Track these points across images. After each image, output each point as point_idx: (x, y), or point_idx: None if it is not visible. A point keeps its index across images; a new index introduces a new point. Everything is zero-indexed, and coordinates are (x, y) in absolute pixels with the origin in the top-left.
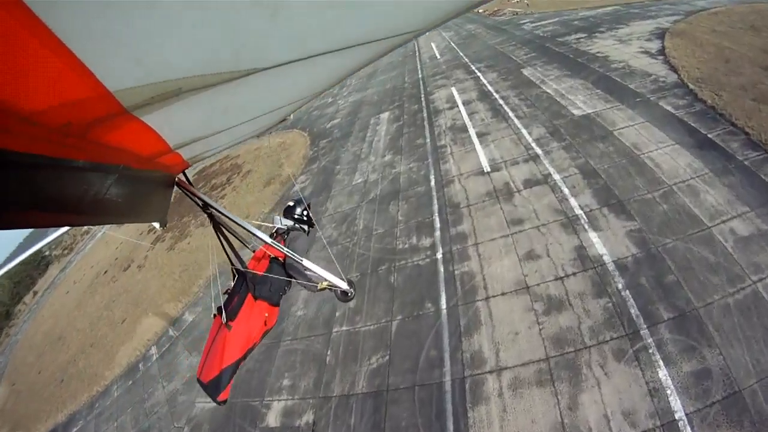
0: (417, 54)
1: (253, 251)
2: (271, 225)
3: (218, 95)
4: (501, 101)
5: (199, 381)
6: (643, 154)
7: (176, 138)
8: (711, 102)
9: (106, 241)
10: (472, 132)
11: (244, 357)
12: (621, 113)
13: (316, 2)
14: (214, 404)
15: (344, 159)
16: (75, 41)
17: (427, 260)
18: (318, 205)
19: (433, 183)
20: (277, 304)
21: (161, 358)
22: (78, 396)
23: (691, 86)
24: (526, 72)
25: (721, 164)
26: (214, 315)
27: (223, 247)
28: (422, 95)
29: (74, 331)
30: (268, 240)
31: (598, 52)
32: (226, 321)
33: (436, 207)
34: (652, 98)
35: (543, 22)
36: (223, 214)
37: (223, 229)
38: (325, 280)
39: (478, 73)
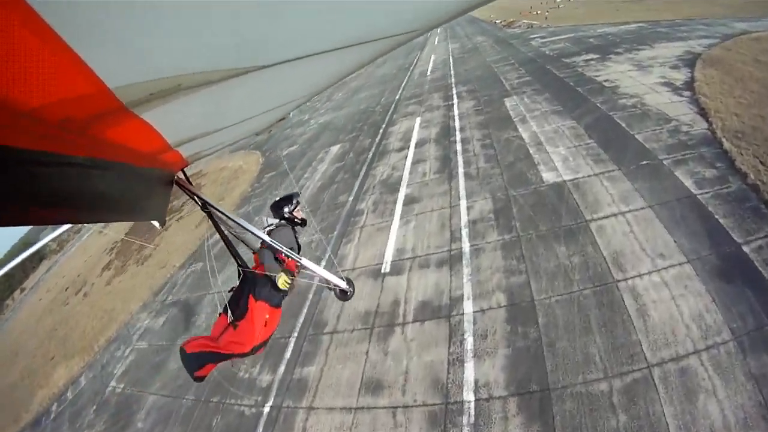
0: (411, 68)
1: (255, 252)
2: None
3: (218, 92)
4: (459, 146)
5: (181, 350)
6: (627, 280)
7: (176, 135)
8: (753, 177)
9: (84, 247)
10: (401, 194)
11: (226, 357)
12: (612, 186)
13: (316, 1)
14: None
15: (266, 208)
16: (74, 38)
17: (253, 410)
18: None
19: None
20: (277, 306)
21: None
22: None
23: (726, 144)
24: (508, 103)
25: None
26: (220, 313)
27: (227, 245)
28: (383, 126)
29: (22, 354)
30: (267, 238)
31: (607, 80)
32: (233, 321)
33: (300, 321)
34: (666, 161)
35: (554, 38)
36: (222, 214)
37: (223, 228)
38: (325, 279)
39: (455, 100)
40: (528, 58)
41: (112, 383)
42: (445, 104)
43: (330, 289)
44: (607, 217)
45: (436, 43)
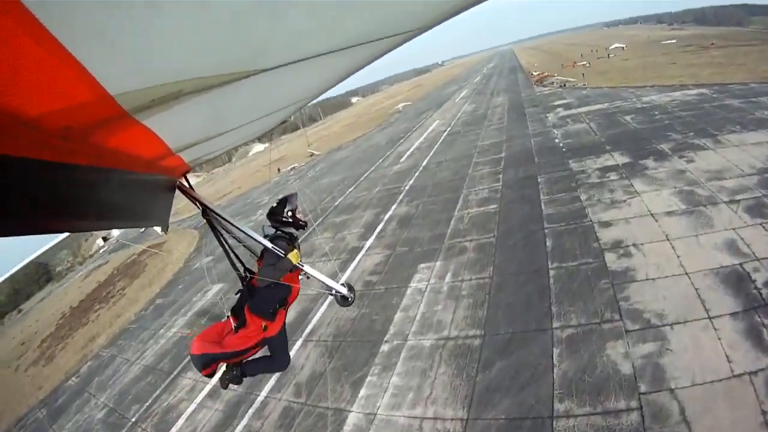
0: (402, 139)
1: (258, 258)
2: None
3: (219, 97)
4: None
5: (191, 351)
6: None
7: (177, 141)
8: None
9: (79, 285)
10: None
11: (234, 355)
12: None
13: (316, 3)
14: None
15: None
16: (76, 45)
17: None
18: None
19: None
20: (272, 319)
21: None
22: None
23: None
24: (415, 279)
25: None
26: (227, 316)
27: (225, 252)
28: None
29: None
30: (269, 245)
31: (618, 246)
32: (236, 327)
33: None
34: None
35: (581, 110)
36: (225, 220)
37: (224, 235)
38: (326, 284)
39: (371, 239)
40: (524, 153)
41: None
42: (358, 244)
43: (332, 295)
44: None
45: (458, 99)
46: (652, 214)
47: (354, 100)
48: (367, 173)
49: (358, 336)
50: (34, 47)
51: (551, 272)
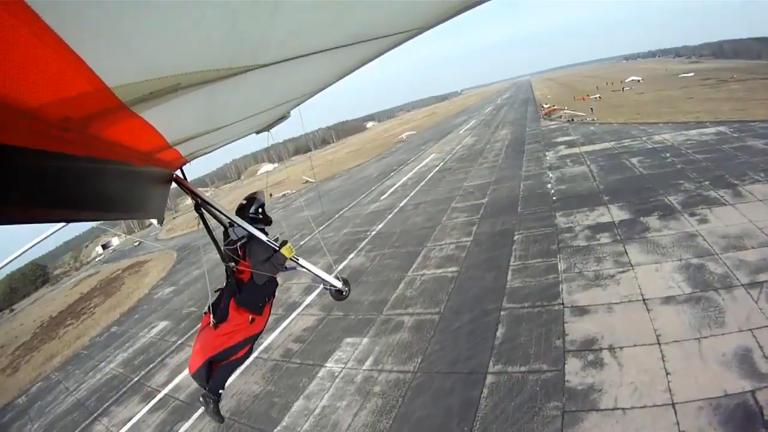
0: (388, 175)
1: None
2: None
3: (217, 91)
4: None
5: (192, 375)
6: None
7: (174, 134)
8: None
9: (66, 294)
10: None
11: (225, 354)
12: None
13: (316, 1)
14: None
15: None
16: (74, 37)
17: None
18: None
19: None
20: (259, 312)
21: None
22: None
23: None
24: (313, 386)
25: None
26: (205, 312)
27: (216, 247)
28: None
29: None
30: (264, 237)
31: (590, 347)
32: (215, 322)
33: None
34: None
35: (583, 149)
36: (221, 212)
37: (213, 230)
38: (320, 278)
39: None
40: (509, 199)
41: None
42: (299, 299)
43: (326, 288)
44: None
45: (463, 130)
46: (644, 300)
47: (369, 125)
48: (345, 210)
49: (251, 419)
50: (33, 40)
51: (488, 379)
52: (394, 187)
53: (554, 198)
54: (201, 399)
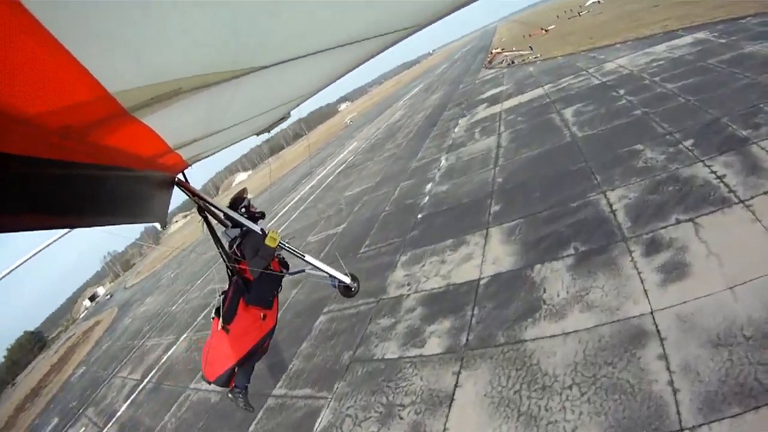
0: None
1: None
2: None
3: (218, 94)
4: None
5: (205, 380)
6: None
7: (176, 138)
8: None
9: (48, 363)
10: None
11: (248, 357)
12: None
13: (314, 2)
14: None
15: None
16: (75, 44)
17: None
18: None
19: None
20: (269, 306)
21: None
22: None
23: None
24: None
25: None
26: (213, 317)
27: (218, 247)
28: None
29: None
30: (257, 228)
31: None
32: (223, 325)
33: None
34: None
35: (509, 104)
36: (224, 213)
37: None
38: (328, 274)
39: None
40: (361, 230)
41: None
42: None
43: (334, 286)
44: None
45: (403, 100)
46: None
47: (342, 106)
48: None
49: None
50: (33, 47)
51: None
52: (276, 214)
53: (419, 217)
54: (230, 396)
